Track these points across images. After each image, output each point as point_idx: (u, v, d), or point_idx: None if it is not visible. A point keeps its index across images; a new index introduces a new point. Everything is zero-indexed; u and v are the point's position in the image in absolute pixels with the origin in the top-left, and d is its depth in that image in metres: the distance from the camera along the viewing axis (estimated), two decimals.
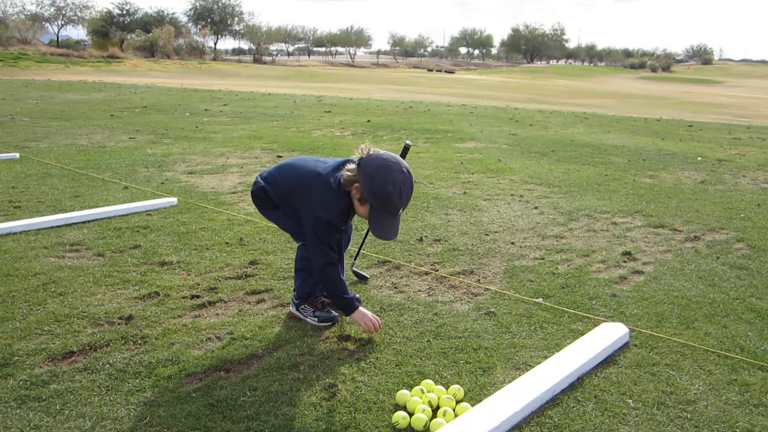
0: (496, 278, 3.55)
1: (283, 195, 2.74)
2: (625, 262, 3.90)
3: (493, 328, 2.88)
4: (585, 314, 3.06)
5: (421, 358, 2.58)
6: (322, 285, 2.79)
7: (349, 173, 2.53)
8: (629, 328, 2.86)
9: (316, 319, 2.87)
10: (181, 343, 2.62)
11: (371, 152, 2.50)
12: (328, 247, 2.63)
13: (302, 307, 2.91)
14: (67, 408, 2.14)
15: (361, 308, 2.72)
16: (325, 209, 2.58)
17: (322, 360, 2.53)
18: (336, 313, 2.92)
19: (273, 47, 77.70)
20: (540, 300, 3.23)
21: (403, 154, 2.93)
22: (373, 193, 2.44)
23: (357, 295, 2.78)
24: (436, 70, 69.07)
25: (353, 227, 3.14)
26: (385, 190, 2.42)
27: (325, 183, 2.60)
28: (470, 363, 2.55)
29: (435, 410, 2.20)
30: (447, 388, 2.30)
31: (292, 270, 3.42)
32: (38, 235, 4.02)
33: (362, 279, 2.77)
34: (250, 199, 2.98)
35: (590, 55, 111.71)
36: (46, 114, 11.35)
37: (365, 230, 3.03)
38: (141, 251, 3.78)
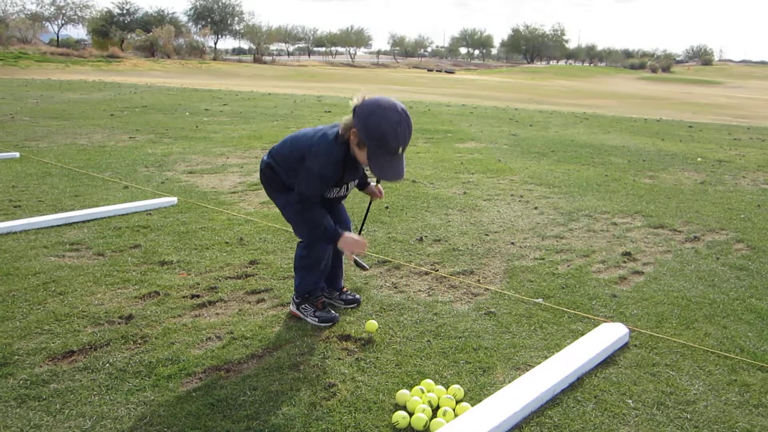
0: (496, 278, 3.56)
1: (289, 167, 2.73)
2: (625, 262, 3.90)
3: (493, 328, 2.88)
4: (585, 314, 3.07)
5: (421, 358, 2.58)
6: (300, 233, 2.81)
7: (346, 120, 2.55)
8: (629, 329, 2.86)
9: (317, 319, 2.87)
10: (181, 343, 2.62)
11: (366, 98, 2.50)
12: (311, 195, 2.64)
13: (303, 306, 2.91)
14: (67, 407, 2.14)
15: (345, 234, 2.68)
16: (322, 166, 2.58)
17: (322, 360, 2.53)
18: (336, 314, 2.92)
19: (273, 47, 77.71)
20: (540, 300, 3.23)
21: None
22: (368, 135, 2.45)
23: (339, 228, 2.72)
24: (436, 71, 69.07)
25: (351, 221, 3.13)
26: (379, 130, 2.42)
27: (324, 136, 2.62)
28: (470, 363, 2.55)
29: (435, 410, 2.20)
30: (447, 388, 2.30)
31: (292, 269, 3.43)
32: (38, 234, 4.03)
33: (362, 268, 2.75)
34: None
35: (590, 55, 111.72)
36: (46, 113, 11.35)
37: (367, 203, 3.01)
38: (141, 251, 3.78)
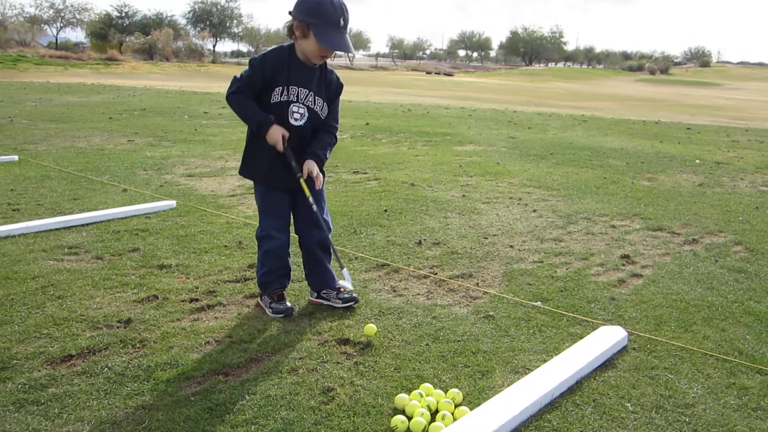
0: (494, 281, 3.56)
1: None
2: (623, 265, 3.90)
3: (491, 332, 2.88)
4: (583, 318, 3.07)
5: (419, 362, 2.58)
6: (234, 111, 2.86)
7: (286, 23, 2.73)
8: (628, 332, 2.86)
9: (270, 311, 2.94)
10: (180, 347, 2.62)
11: None
12: (239, 82, 2.77)
13: (263, 297, 3.01)
14: (65, 412, 2.13)
15: (274, 127, 2.74)
16: (260, 54, 2.79)
17: (320, 364, 2.53)
18: (290, 306, 2.97)
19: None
20: (539, 303, 3.23)
21: None
22: (306, 12, 2.63)
23: (270, 116, 2.76)
24: (435, 73, 69.15)
25: (329, 214, 3.11)
26: (316, 2, 2.60)
27: None
28: (469, 366, 2.55)
29: (434, 414, 2.20)
30: (446, 392, 2.30)
31: (292, 275, 3.43)
32: (37, 237, 4.02)
33: (347, 300, 2.96)
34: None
35: (588, 57, 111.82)
36: (45, 116, 11.35)
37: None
38: (140, 254, 3.78)
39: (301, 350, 2.64)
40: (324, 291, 3.08)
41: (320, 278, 3.09)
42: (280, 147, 2.75)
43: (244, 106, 2.77)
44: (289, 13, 2.68)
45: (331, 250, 3.04)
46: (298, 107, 2.80)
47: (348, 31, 2.69)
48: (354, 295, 3.10)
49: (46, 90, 19.13)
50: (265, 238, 2.96)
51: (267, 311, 2.97)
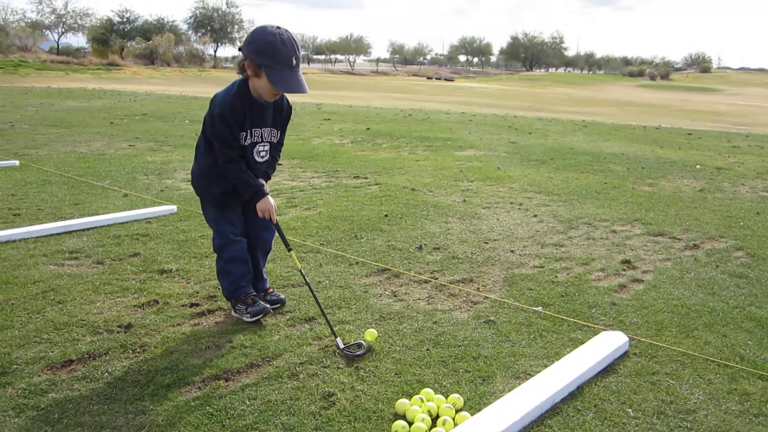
0: (495, 286, 3.55)
1: (203, 132, 2.88)
2: (624, 270, 3.90)
3: (492, 337, 2.87)
4: (584, 323, 3.06)
5: (420, 367, 2.57)
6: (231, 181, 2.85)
7: (238, 59, 2.73)
8: (629, 337, 2.85)
9: (249, 315, 2.90)
10: (181, 352, 2.62)
11: None
12: (226, 146, 2.75)
13: (237, 307, 2.95)
14: (65, 417, 2.13)
15: (267, 198, 2.84)
16: (220, 105, 2.73)
17: (321, 369, 2.53)
18: (266, 304, 2.95)
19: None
20: (539, 309, 3.23)
21: None
22: (257, 50, 2.60)
23: (263, 184, 2.87)
24: (436, 78, 69.25)
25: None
26: (266, 41, 2.57)
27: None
28: (470, 372, 2.54)
29: (434, 419, 2.19)
30: (446, 397, 2.30)
31: (292, 279, 3.43)
32: (37, 242, 4.02)
33: (355, 356, 2.62)
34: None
35: (589, 63, 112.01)
36: (46, 121, 11.37)
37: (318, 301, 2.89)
38: (140, 259, 3.78)
39: (301, 355, 2.63)
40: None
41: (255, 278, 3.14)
42: (274, 219, 2.89)
43: (240, 175, 2.80)
44: (239, 50, 2.67)
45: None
46: (263, 146, 2.90)
47: (300, 69, 2.66)
48: (281, 296, 3.17)
49: (47, 95, 19.17)
50: (227, 245, 2.94)
51: (245, 318, 2.91)
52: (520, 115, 18.14)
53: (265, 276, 3.20)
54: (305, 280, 2.94)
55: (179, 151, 8.36)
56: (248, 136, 2.80)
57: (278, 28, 2.59)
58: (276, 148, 3.02)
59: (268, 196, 2.86)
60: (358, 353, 2.63)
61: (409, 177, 6.88)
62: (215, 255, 3.03)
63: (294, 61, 2.61)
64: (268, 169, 3.02)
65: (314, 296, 2.92)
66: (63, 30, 57.62)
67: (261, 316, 2.90)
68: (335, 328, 2.84)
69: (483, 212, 5.33)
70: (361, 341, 2.71)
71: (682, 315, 3.21)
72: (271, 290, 3.17)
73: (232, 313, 2.98)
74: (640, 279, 3.75)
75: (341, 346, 2.67)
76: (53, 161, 7.17)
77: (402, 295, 3.37)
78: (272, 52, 2.56)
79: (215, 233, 3.00)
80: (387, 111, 17.19)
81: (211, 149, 2.83)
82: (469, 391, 2.39)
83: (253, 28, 2.67)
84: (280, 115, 2.94)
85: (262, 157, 2.90)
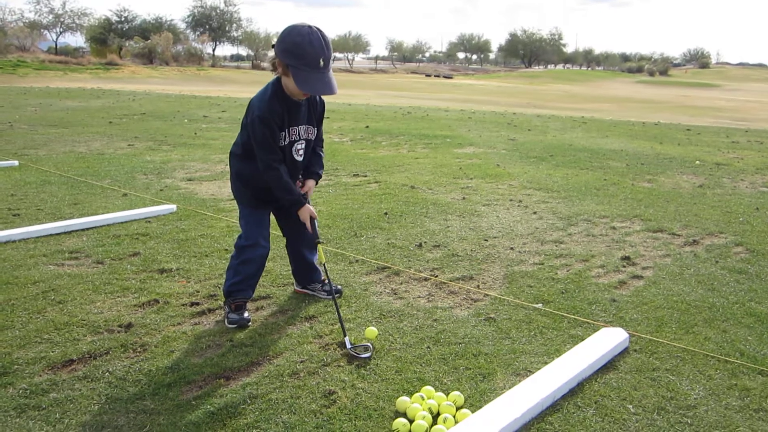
0: (495, 284, 3.56)
1: (241, 134, 2.91)
2: (624, 266, 3.90)
3: (492, 334, 2.88)
4: (584, 319, 3.07)
5: (421, 365, 2.58)
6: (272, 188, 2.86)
7: (270, 57, 2.71)
8: (629, 333, 2.86)
9: (228, 320, 2.90)
10: (181, 351, 2.62)
11: None
12: (267, 151, 2.73)
13: (225, 305, 2.98)
14: (66, 417, 2.13)
15: (306, 207, 2.87)
16: (258, 108, 2.70)
17: (321, 367, 2.53)
18: (247, 317, 2.91)
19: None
20: (539, 305, 3.23)
21: None
22: (285, 50, 2.57)
23: (303, 194, 2.91)
24: (434, 76, 69.17)
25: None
26: (293, 42, 2.54)
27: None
28: (470, 369, 2.55)
29: (435, 417, 2.20)
30: (447, 395, 2.30)
31: (291, 277, 3.43)
32: (37, 242, 4.02)
33: (359, 358, 2.66)
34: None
35: (588, 59, 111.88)
36: (45, 121, 11.36)
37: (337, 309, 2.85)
38: (140, 258, 3.78)
39: (302, 354, 2.63)
40: (310, 285, 3.25)
41: (307, 270, 3.23)
42: (309, 227, 2.91)
43: (281, 184, 2.79)
44: (272, 47, 2.67)
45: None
46: (300, 144, 2.89)
47: (329, 69, 2.61)
48: (338, 286, 3.27)
49: (46, 95, 19.15)
50: (250, 247, 2.94)
51: (225, 320, 2.91)
52: (519, 112, 18.13)
53: (317, 266, 3.22)
54: (326, 275, 2.98)
55: (178, 150, 8.36)
56: (287, 135, 2.81)
57: (309, 27, 2.55)
58: (317, 144, 3.04)
59: (307, 205, 2.88)
60: (363, 355, 2.62)
61: (409, 175, 6.88)
62: (233, 251, 3.03)
63: (322, 62, 2.55)
64: (317, 168, 3.05)
65: (331, 291, 2.96)
66: (61, 30, 57.57)
67: (236, 326, 2.88)
68: (336, 326, 2.85)
69: (482, 209, 5.33)
70: (369, 344, 2.69)
71: (682, 311, 3.22)
72: (325, 281, 3.17)
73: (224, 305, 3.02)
74: (640, 275, 3.75)
75: (348, 345, 2.67)
76: (52, 161, 7.17)
77: (402, 293, 3.38)
78: (299, 53, 2.53)
79: (243, 233, 3.00)
80: (386, 109, 17.18)
81: (246, 154, 2.85)
82: (469, 389, 2.39)
83: (287, 26, 2.62)
84: (315, 112, 2.93)
85: (300, 155, 2.91)
